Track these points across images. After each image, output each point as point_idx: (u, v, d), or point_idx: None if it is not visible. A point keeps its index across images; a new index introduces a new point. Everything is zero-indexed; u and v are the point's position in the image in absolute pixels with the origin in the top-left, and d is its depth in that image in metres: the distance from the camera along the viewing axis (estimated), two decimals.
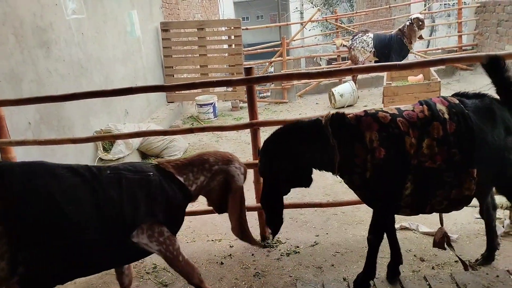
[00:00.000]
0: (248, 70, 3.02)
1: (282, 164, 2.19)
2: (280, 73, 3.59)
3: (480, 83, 8.07)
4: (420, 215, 3.05)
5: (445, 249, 2.55)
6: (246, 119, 3.24)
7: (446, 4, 10.36)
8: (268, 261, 2.99)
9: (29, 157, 3.32)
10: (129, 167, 2.12)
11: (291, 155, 2.19)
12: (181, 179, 2.17)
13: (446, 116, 2.10)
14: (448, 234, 2.57)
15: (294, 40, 10.21)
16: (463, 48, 8.85)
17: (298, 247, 3.14)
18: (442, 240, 2.53)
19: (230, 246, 3.25)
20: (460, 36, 9.03)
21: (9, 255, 1.72)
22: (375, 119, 2.13)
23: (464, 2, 9.53)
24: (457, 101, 2.18)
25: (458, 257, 2.57)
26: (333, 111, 2.25)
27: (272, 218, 2.32)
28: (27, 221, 1.75)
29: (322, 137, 2.15)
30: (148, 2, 7.34)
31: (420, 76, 5.91)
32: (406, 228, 3.23)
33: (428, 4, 9.87)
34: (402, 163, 2.08)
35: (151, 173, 2.09)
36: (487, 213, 2.59)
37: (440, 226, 2.54)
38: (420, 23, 6.70)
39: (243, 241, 2.39)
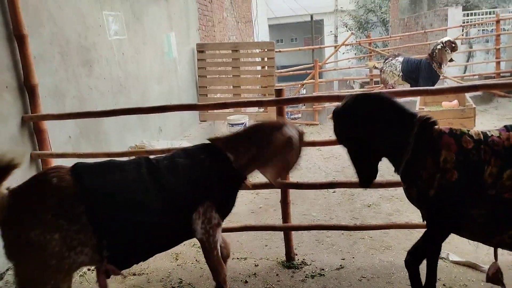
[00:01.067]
0: (279, 92, 3.09)
1: (364, 130, 2.16)
2: (310, 95, 3.64)
3: None
4: (452, 244, 2.98)
5: (499, 284, 2.40)
6: None
7: (484, 30, 10.17)
8: (293, 282, 2.98)
9: None
10: (181, 153, 2.26)
11: (378, 123, 2.15)
12: (231, 155, 2.23)
13: None
14: (501, 270, 2.41)
15: (327, 63, 10.28)
16: (501, 74, 8.62)
17: (323, 269, 3.11)
18: (496, 275, 2.39)
19: (255, 265, 3.26)
20: (498, 63, 8.82)
21: (95, 243, 1.94)
22: (457, 142, 2.06)
23: (503, 29, 9.35)
24: None
25: None
26: (428, 116, 2.18)
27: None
28: (105, 211, 1.97)
29: (407, 130, 2.11)
30: (185, 25, 7.63)
31: (455, 102, 5.80)
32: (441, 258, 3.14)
33: (465, 29, 9.72)
34: (476, 192, 2.02)
35: (202, 156, 2.21)
36: None
37: (494, 261, 2.40)
38: (453, 45, 6.55)
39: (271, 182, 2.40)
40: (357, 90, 11.54)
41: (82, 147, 4.08)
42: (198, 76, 8.01)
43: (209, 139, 2.32)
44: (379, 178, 2.94)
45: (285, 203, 3.24)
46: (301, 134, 2.37)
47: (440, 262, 3.05)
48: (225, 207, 2.28)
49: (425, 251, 2.28)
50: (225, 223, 4.04)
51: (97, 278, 2.09)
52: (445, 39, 6.78)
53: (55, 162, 3.48)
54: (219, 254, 2.29)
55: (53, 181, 1.94)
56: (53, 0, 3.81)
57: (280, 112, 3.12)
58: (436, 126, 2.15)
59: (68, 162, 3.61)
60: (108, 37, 4.75)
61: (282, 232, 3.30)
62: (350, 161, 2.28)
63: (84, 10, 4.29)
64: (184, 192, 2.12)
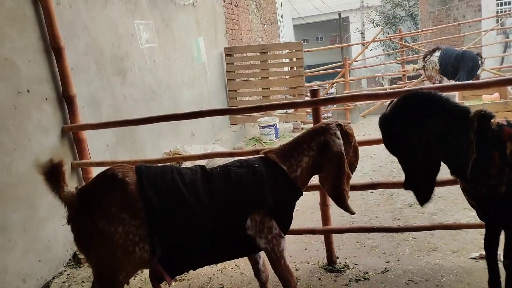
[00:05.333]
0: (314, 92, 3.02)
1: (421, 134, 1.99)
2: (346, 94, 3.55)
3: None
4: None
5: None
6: None
7: None
8: (336, 286, 2.89)
9: None
10: (236, 163, 2.29)
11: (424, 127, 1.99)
12: (285, 167, 2.22)
13: None
14: None
15: (356, 61, 10.10)
16: None
17: (367, 273, 3.01)
18: None
19: (296, 269, 3.19)
20: None
21: (150, 238, 2.00)
22: None
23: None
24: None
25: None
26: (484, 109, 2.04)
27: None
28: (160, 208, 2.03)
29: (465, 127, 1.98)
30: (213, 29, 7.67)
31: (496, 94, 5.54)
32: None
33: (500, 20, 9.32)
34: None
35: (257, 165, 2.22)
36: None
37: None
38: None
39: (339, 207, 2.32)
40: (386, 86, 11.27)
41: (119, 155, 4.14)
42: (227, 79, 8.03)
43: (263, 152, 2.32)
44: None
45: (324, 205, 3.17)
46: (349, 131, 2.29)
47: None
48: (283, 218, 2.23)
49: None
50: None
51: (151, 282, 2.13)
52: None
53: (95, 171, 3.54)
54: (287, 262, 2.26)
55: (118, 176, 2.04)
56: (86, 12, 3.89)
57: (316, 113, 3.05)
58: (493, 119, 2.03)
59: None
60: (140, 45, 4.82)
61: (322, 235, 3.22)
62: (405, 175, 2.12)
63: (116, 20, 4.37)
64: (236, 198, 2.13)
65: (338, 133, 2.23)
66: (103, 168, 3.57)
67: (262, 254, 2.35)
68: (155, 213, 2.01)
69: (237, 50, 8.14)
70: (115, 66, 4.30)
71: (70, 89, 3.45)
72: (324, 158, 2.22)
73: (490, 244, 2.29)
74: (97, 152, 3.82)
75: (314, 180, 2.47)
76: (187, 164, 4.99)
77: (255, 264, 2.49)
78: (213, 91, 7.38)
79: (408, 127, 2.01)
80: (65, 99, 3.47)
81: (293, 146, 2.29)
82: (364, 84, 16.24)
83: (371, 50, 16.76)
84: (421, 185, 2.09)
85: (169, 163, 2.35)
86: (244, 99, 8.21)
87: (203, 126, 6.56)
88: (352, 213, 2.30)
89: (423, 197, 2.10)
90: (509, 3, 11.26)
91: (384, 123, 2.14)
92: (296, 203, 2.32)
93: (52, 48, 3.39)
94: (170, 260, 2.09)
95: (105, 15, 4.18)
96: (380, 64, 11.10)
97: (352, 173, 2.32)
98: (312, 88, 3.08)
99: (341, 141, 2.21)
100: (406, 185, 2.15)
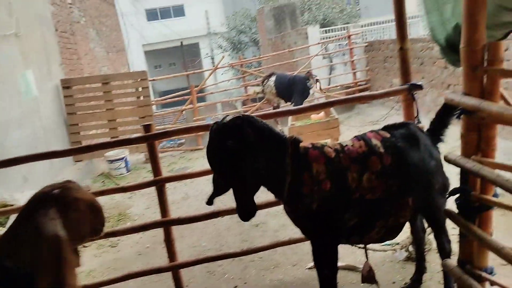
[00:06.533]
0: (147, 127, 2.99)
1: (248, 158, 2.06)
2: (179, 127, 3.62)
3: (377, 114, 8.80)
4: None
5: (375, 282, 2.58)
6: (149, 179, 3.18)
7: (340, 44, 11.33)
8: None
9: None
10: None
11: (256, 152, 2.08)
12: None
13: (382, 150, 2.25)
14: (372, 268, 2.59)
15: (208, 86, 10.40)
16: (358, 83, 9.68)
17: None
18: (370, 273, 2.57)
19: None
20: (354, 73, 9.90)
21: None
22: (322, 153, 2.21)
23: (355, 42, 10.53)
24: (388, 135, 2.34)
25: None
26: (292, 135, 2.26)
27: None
28: None
29: (282, 152, 2.16)
30: (45, 60, 7.01)
31: (322, 113, 6.30)
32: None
33: (324, 45, 10.71)
34: (345, 197, 2.18)
35: None
36: (417, 236, 2.78)
37: (365, 260, 2.57)
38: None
39: None
40: (240, 109, 11.87)
41: None
42: (67, 113, 7.40)
43: None
44: (264, 197, 3.02)
45: (169, 241, 3.12)
46: (73, 198, 1.76)
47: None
48: None
49: (333, 259, 2.32)
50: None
51: None
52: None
53: None
54: None
55: None
56: None
57: (151, 148, 3.01)
58: (301, 143, 2.27)
59: None
60: None
61: (171, 272, 3.16)
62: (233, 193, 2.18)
63: None
64: None
65: (52, 211, 1.68)
66: None
67: None
68: None
69: (76, 82, 7.58)
70: None
71: None
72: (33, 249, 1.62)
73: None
74: None
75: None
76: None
77: None
78: (50, 128, 6.70)
79: (233, 149, 2.06)
80: None
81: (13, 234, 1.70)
82: (219, 109, 16.79)
83: (222, 74, 17.51)
84: (244, 202, 2.17)
85: None
86: (90, 132, 7.67)
87: (38, 167, 5.87)
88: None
89: (247, 214, 2.18)
90: (331, 31, 13.06)
91: (208, 147, 2.19)
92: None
93: None
94: None
95: None
96: (228, 89, 11.62)
97: (96, 237, 1.93)
98: (145, 124, 3.04)
99: (57, 220, 1.66)
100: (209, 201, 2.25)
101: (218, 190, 2.26)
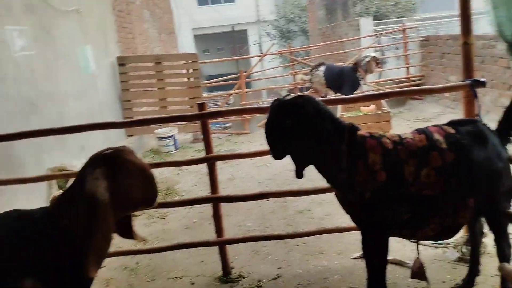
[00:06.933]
0: (201, 106, 3.04)
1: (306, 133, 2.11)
2: (233, 108, 3.67)
3: (430, 111, 8.51)
4: None
5: (425, 279, 2.52)
6: (202, 156, 3.25)
7: (393, 38, 10.97)
8: None
9: None
10: (14, 213, 1.77)
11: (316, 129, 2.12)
12: (65, 222, 1.71)
13: (444, 146, 2.16)
14: (423, 265, 2.52)
15: (255, 72, 10.44)
16: (411, 79, 9.36)
17: (260, 281, 3.09)
18: (420, 270, 2.51)
19: (192, 283, 3.16)
20: (408, 68, 9.58)
21: None
22: (379, 143, 2.16)
23: (410, 37, 10.17)
24: (452, 130, 2.24)
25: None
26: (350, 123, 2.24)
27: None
28: None
29: (339, 138, 2.14)
30: (103, 37, 7.28)
31: (373, 106, 6.17)
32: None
33: (377, 38, 10.41)
34: (400, 190, 2.13)
35: (37, 216, 1.74)
36: (475, 238, 2.66)
37: (417, 256, 2.52)
38: (378, 61, 7.11)
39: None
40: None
41: None
42: (122, 90, 7.68)
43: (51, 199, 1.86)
44: (310, 184, 3.03)
45: (217, 217, 3.19)
46: (125, 162, 1.75)
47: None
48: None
49: (384, 249, 2.30)
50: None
51: None
52: (373, 54, 7.24)
53: None
54: None
55: None
56: None
57: (204, 126, 3.07)
58: (359, 131, 2.24)
59: None
60: (13, 53, 4.37)
61: (217, 247, 3.23)
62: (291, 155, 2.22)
63: None
64: (6, 260, 1.61)
65: (98, 171, 1.69)
66: None
67: None
68: None
69: (131, 60, 7.84)
70: None
71: None
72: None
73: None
74: None
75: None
76: None
77: None
78: (105, 103, 6.99)
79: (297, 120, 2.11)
80: None
81: (69, 193, 1.77)
82: (265, 96, 16.84)
83: (269, 62, 17.48)
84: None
85: None
86: (141, 109, 7.93)
87: (94, 138, 6.12)
88: (142, 240, 2.03)
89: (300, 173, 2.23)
90: (384, 23, 12.67)
91: (267, 123, 2.23)
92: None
93: None
94: None
95: None
96: (275, 77, 11.60)
97: (150, 207, 1.89)
98: (199, 102, 3.09)
99: (101, 181, 1.66)
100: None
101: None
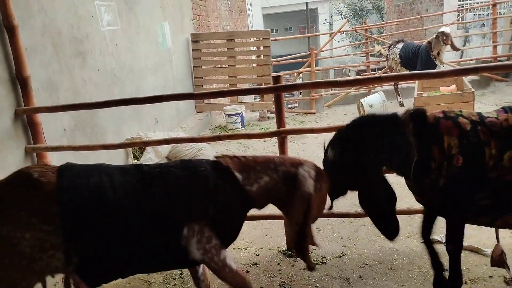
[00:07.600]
0: (277, 78, 3.04)
1: (354, 156, 2.07)
2: (308, 81, 3.60)
3: None
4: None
5: (506, 267, 2.39)
6: (273, 129, 3.25)
7: (480, 14, 10.10)
8: (294, 271, 2.96)
9: (63, 162, 3.44)
10: (180, 163, 2.05)
11: (365, 147, 2.06)
12: (240, 176, 2.00)
13: None
14: (504, 252, 2.41)
15: (323, 51, 10.20)
16: (498, 59, 8.56)
17: (324, 257, 3.09)
18: (501, 257, 2.39)
19: (256, 255, 3.24)
20: (495, 47, 8.77)
21: (64, 246, 1.78)
22: (456, 124, 2.01)
23: (499, 12, 9.28)
24: None
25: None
26: (413, 108, 2.13)
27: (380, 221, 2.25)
28: (78, 214, 1.81)
29: (400, 133, 2.06)
30: (179, 14, 7.53)
31: (453, 86, 5.76)
32: (438, 242, 3.12)
33: (461, 14, 9.64)
34: (479, 175, 1.98)
35: (203, 169, 1.98)
36: None
37: (496, 243, 2.39)
38: (444, 37, 6.46)
39: (298, 256, 2.25)
40: (352, 77, 11.47)
41: (77, 140, 4.02)
42: (194, 66, 7.93)
43: (216, 156, 2.09)
44: None
45: None
46: (320, 174, 2.07)
47: (442, 247, 3.05)
48: (227, 230, 2.02)
49: (461, 236, 2.22)
50: None
51: None
52: (441, 29, 6.69)
53: (51, 156, 3.43)
54: (233, 268, 1.99)
55: (33, 176, 1.82)
56: None
57: (278, 99, 3.07)
58: (428, 113, 2.10)
59: (63, 155, 3.58)
60: (101, 27, 4.66)
61: (283, 221, 3.27)
62: (366, 209, 2.25)
63: (75, 0, 4.20)
64: (172, 205, 1.90)
65: (313, 172, 2.03)
66: (59, 153, 3.49)
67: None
68: (71, 218, 1.78)
69: (204, 37, 8.03)
70: (74, 48, 4.14)
71: (24, 70, 3.29)
72: (288, 193, 2.00)
73: (426, 229, 2.39)
74: (54, 137, 3.69)
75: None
76: (149, 150, 4.94)
77: (194, 273, 2.30)
78: (178, 78, 7.27)
79: (363, 150, 2.07)
80: (19, 81, 3.31)
81: (259, 159, 2.07)
82: (332, 75, 16.49)
83: (338, 41, 16.99)
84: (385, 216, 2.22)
85: (101, 163, 2.08)
86: (211, 86, 8.15)
87: (167, 112, 6.46)
88: (310, 268, 2.13)
89: (389, 232, 2.25)
90: None
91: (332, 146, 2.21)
92: None
93: (5, 27, 3.23)
94: (90, 269, 1.86)
95: None
96: (346, 55, 11.25)
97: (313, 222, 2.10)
98: (275, 75, 3.09)
99: (313, 182, 2.00)
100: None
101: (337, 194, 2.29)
